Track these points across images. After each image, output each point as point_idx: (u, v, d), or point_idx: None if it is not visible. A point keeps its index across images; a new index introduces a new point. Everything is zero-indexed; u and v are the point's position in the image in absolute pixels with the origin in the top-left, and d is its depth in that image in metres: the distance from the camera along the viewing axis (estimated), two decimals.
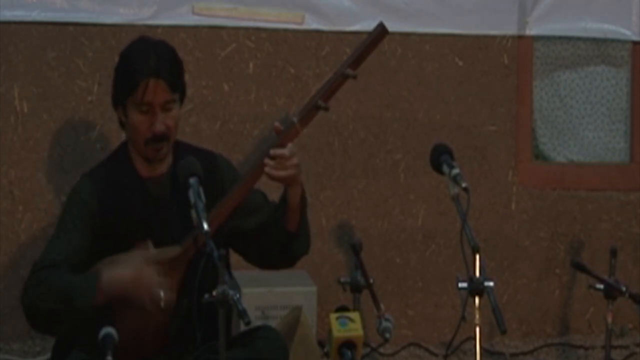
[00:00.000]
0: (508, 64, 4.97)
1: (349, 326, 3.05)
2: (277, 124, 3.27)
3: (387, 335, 3.43)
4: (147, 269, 3.16)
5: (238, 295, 2.88)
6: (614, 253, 4.20)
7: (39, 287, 3.18)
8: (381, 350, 4.73)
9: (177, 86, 3.34)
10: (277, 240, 3.36)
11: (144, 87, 3.26)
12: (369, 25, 4.75)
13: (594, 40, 5.10)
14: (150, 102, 3.27)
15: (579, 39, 5.09)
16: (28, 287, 3.22)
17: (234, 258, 3.48)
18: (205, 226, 2.94)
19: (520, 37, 4.97)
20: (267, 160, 3.22)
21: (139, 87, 3.26)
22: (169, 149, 3.34)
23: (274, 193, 3.56)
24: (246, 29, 4.73)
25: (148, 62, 3.28)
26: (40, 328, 3.30)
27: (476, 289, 3.05)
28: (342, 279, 3.87)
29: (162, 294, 3.15)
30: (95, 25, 4.59)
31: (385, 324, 3.44)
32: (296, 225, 3.34)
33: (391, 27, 4.79)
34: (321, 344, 4.29)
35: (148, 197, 3.34)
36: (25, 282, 3.25)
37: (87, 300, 3.11)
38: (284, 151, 3.21)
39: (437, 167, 3.34)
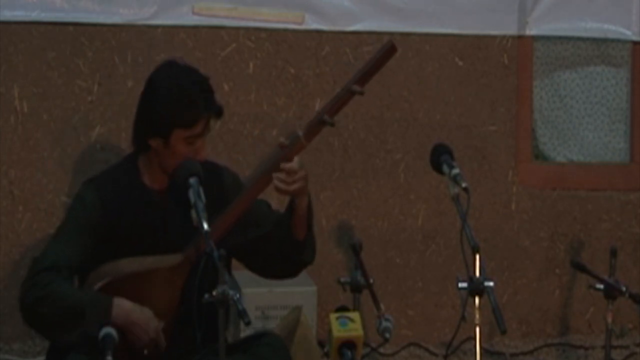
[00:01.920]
0: (508, 64, 4.97)
1: (349, 326, 3.05)
2: (282, 140, 3.27)
3: (387, 335, 3.43)
4: (154, 320, 3.20)
5: (238, 295, 2.88)
6: (614, 253, 4.20)
7: (43, 290, 3.18)
8: (381, 350, 4.73)
9: (221, 115, 3.35)
10: (283, 248, 3.36)
11: (204, 124, 3.26)
12: (369, 25, 4.78)
13: (594, 40, 5.10)
14: (203, 134, 3.27)
15: (579, 39, 5.10)
16: (31, 286, 3.21)
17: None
18: (205, 226, 2.95)
19: (520, 37, 4.98)
20: (276, 175, 3.21)
21: (199, 124, 3.24)
22: None
23: (276, 201, 3.57)
24: (246, 29, 4.73)
25: (203, 98, 3.26)
26: (34, 327, 3.30)
27: (476, 289, 3.05)
28: (342, 279, 3.87)
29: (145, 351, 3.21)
30: (95, 25, 4.58)
31: (385, 324, 3.44)
32: (303, 233, 3.34)
33: (391, 27, 4.85)
34: (321, 344, 4.29)
35: (152, 206, 3.34)
36: (27, 280, 3.25)
37: (98, 324, 3.12)
38: (293, 165, 3.21)
39: (437, 167, 3.34)
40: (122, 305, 3.17)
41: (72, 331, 3.17)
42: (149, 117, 3.29)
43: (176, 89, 3.26)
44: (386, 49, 3.22)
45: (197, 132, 3.25)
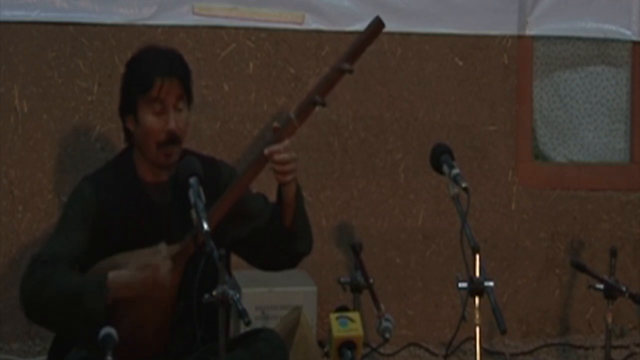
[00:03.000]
0: (508, 64, 4.97)
1: (349, 326, 3.05)
2: (275, 124, 3.27)
3: (387, 335, 3.43)
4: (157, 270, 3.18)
5: (238, 295, 2.88)
6: (614, 253, 4.20)
7: (41, 282, 3.18)
8: (381, 350, 4.73)
9: (189, 87, 3.36)
10: (276, 239, 3.36)
11: (159, 85, 3.27)
12: None
13: (594, 40, 5.10)
14: (164, 100, 3.28)
15: (579, 39, 5.09)
16: (29, 278, 3.22)
17: (234, 258, 3.48)
18: (205, 226, 2.95)
19: (520, 37, 4.98)
20: (268, 154, 3.20)
21: (154, 85, 3.27)
22: (178, 155, 3.33)
23: (272, 194, 3.56)
24: (246, 29, 4.74)
25: (162, 61, 3.31)
26: (37, 320, 3.29)
27: (476, 289, 3.05)
28: (342, 279, 3.87)
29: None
30: (95, 25, 4.59)
31: (385, 324, 3.44)
32: (291, 221, 3.34)
33: (391, 27, 4.81)
34: (321, 344, 4.29)
35: (148, 203, 3.34)
36: (26, 273, 3.26)
37: (99, 303, 3.12)
38: (279, 146, 3.20)
39: (437, 167, 3.34)
40: (119, 276, 3.15)
41: (74, 317, 3.15)
42: (120, 94, 3.37)
43: (135, 61, 3.36)
44: (374, 26, 3.22)
45: (154, 95, 3.26)
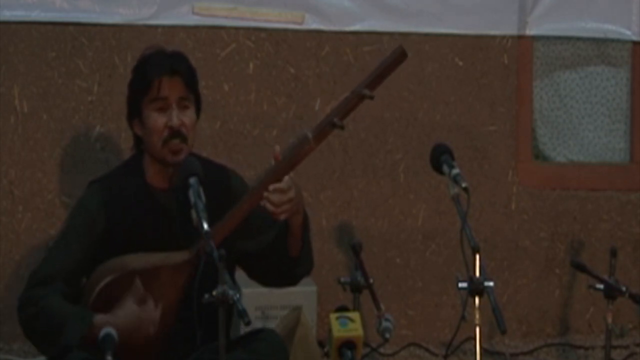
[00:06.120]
0: (508, 64, 4.97)
1: (349, 326, 3.05)
2: (276, 151, 3.26)
3: (387, 335, 3.43)
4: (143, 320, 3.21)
5: (238, 295, 2.88)
6: (614, 253, 4.19)
7: (35, 307, 3.22)
8: (381, 350, 4.73)
9: (193, 86, 3.36)
10: (278, 264, 3.38)
11: (159, 83, 3.28)
12: (369, 25, 4.78)
13: (594, 40, 5.10)
14: (166, 97, 3.28)
15: (579, 39, 5.10)
16: (25, 302, 3.26)
17: None
18: (205, 226, 2.95)
19: (520, 37, 4.98)
20: (265, 194, 3.19)
21: (154, 83, 3.28)
22: (187, 153, 3.32)
23: None
24: (246, 29, 4.74)
25: (162, 60, 3.32)
26: (33, 344, 3.33)
27: (476, 289, 3.05)
28: (342, 279, 3.87)
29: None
30: (95, 25, 4.59)
31: (385, 324, 3.44)
32: (298, 249, 3.35)
33: (391, 27, 4.85)
34: (321, 344, 4.29)
35: (157, 208, 3.34)
36: (22, 294, 3.29)
37: (75, 339, 3.14)
38: (281, 186, 3.20)
39: (437, 167, 3.34)
40: (105, 322, 3.13)
41: (53, 345, 3.19)
42: (127, 102, 3.39)
43: (139, 64, 3.37)
44: (397, 54, 3.24)
45: (155, 92, 3.27)
